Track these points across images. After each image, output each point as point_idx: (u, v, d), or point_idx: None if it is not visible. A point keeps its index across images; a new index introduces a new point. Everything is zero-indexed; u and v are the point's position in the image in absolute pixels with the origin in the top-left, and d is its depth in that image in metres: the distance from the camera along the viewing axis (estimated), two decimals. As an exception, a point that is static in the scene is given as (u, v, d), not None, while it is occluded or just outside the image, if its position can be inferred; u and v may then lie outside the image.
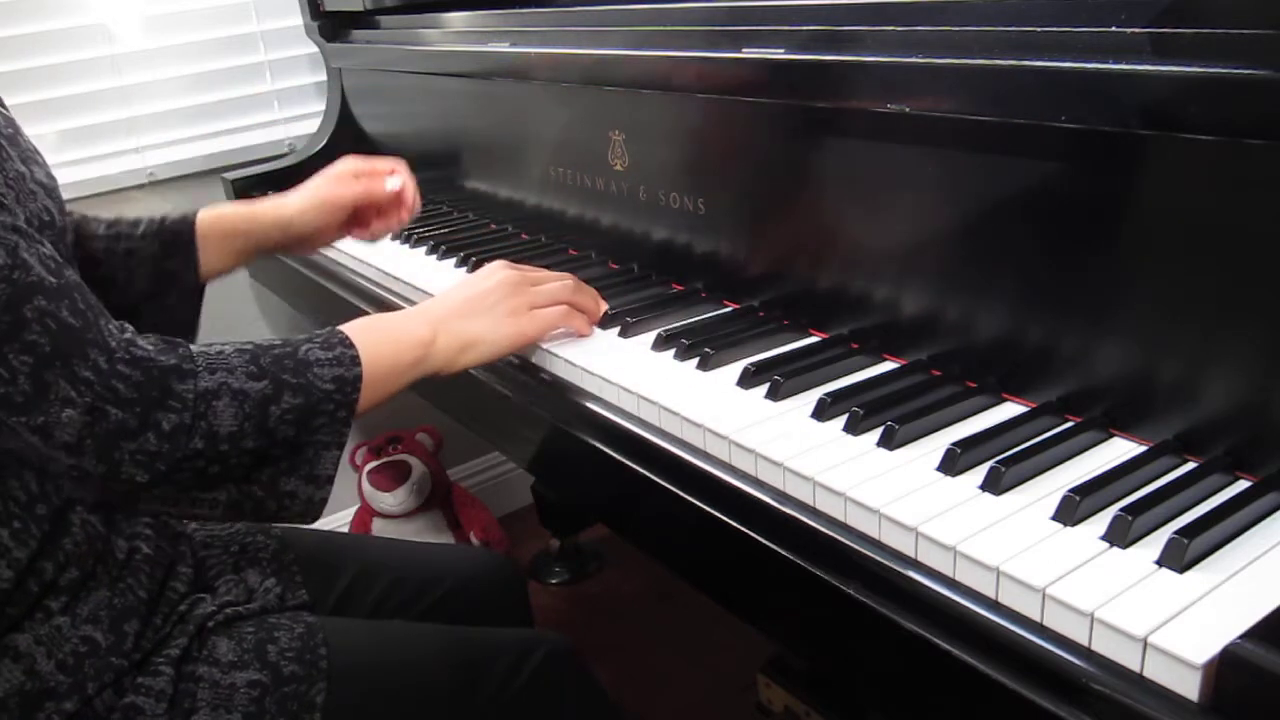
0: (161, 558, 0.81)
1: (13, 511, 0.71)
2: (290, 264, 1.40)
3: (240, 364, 0.70)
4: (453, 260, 1.19)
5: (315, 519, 0.75)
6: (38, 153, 0.81)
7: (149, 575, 0.79)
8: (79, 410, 0.64)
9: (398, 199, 1.11)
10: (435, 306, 0.86)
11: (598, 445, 0.81)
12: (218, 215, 1.04)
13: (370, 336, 0.78)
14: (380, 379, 0.77)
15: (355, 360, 0.75)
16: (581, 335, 0.92)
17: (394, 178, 1.11)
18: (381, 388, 0.77)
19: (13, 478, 0.71)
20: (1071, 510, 0.58)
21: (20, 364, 0.63)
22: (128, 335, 0.68)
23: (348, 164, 1.11)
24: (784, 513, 0.65)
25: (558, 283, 0.91)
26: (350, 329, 0.78)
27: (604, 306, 0.95)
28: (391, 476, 1.80)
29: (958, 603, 0.55)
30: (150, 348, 0.68)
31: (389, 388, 0.78)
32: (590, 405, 0.83)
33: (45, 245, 0.68)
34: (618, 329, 0.92)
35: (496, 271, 0.89)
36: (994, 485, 0.62)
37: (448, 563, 1.08)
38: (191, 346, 0.71)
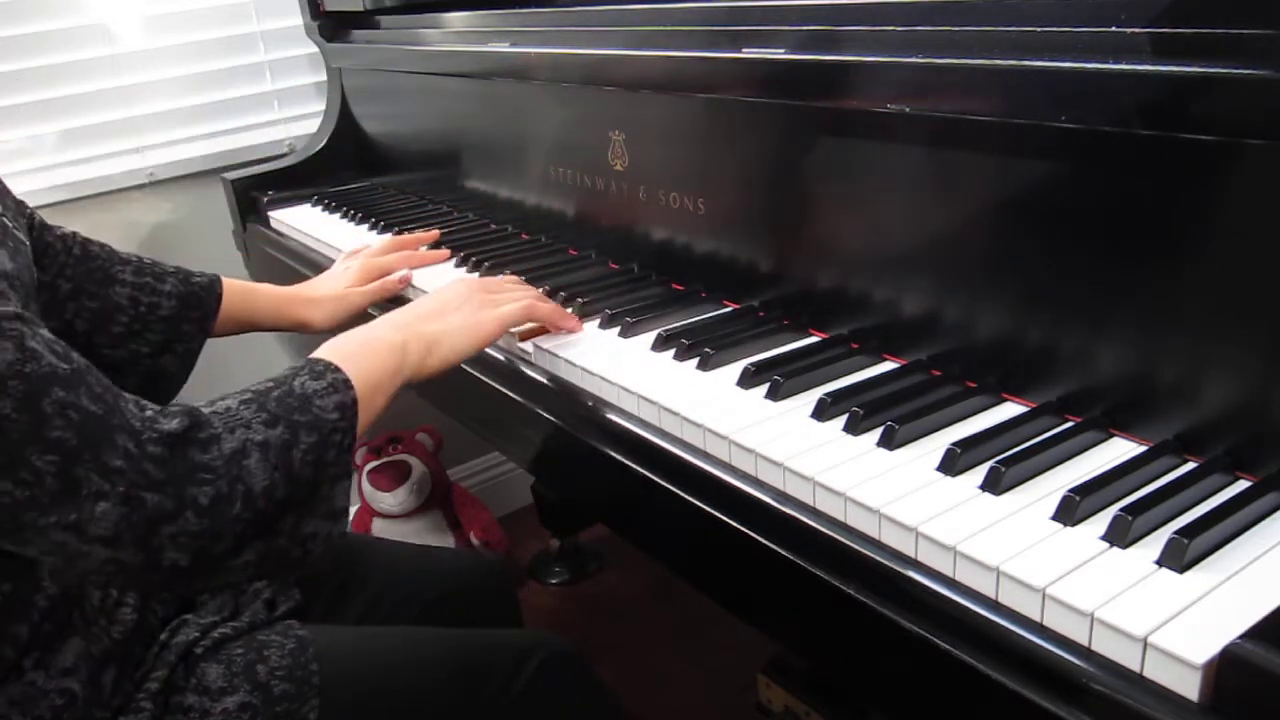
0: (139, 594, 0.79)
1: None
2: (284, 259, 1.40)
3: (251, 415, 0.68)
4: (453, 261, 1.19)
5: (333, 548, 0.73)
6: None
7: (125, 616, 0.76)
8: (113, 502, 0.60)
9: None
10: (399, 314, 0.87)
11: (598, 445, 0.81)
12: (245, 295, 1.07)
13: (351, 355, 0.77)
14: (369, 395, 0.76)
15: (348, 384, 0.73)
16: (558, 330, 0.92)
17: (403, 272, 1.15)
18: (371, 404, 0.76)
19: None
20: (1071, 510, 0.58)
21: (46, 464, 0.58)
22: (148, 413, 0.64)
23: (367, 262, 1.14)
24: (784, 513, 0.65)
25: (520, 290, 0.93)
26: (328, 353, 0.77)
27: (573, 323, 0.94)
28: (391, 476, 1.80)
29: (958, 603, 0.55)
30: (172, 421, 0.64)
31: (377, 403, 0.78)
32: (590, 405, 0.83)
33: (44, 329, 0.63)
34: (618, 329, 0.92)
35: (457, 281, 0.93)
36: (994, 485, 0.62)
37: (439, 565, 1.08)
38: (200, 409, 0.67)
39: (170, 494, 0.61)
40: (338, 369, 0.74)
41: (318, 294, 1.11)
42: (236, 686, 0.76)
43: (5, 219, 0.74)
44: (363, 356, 0.78)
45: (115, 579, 0.64)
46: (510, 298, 0.91)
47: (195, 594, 0.78)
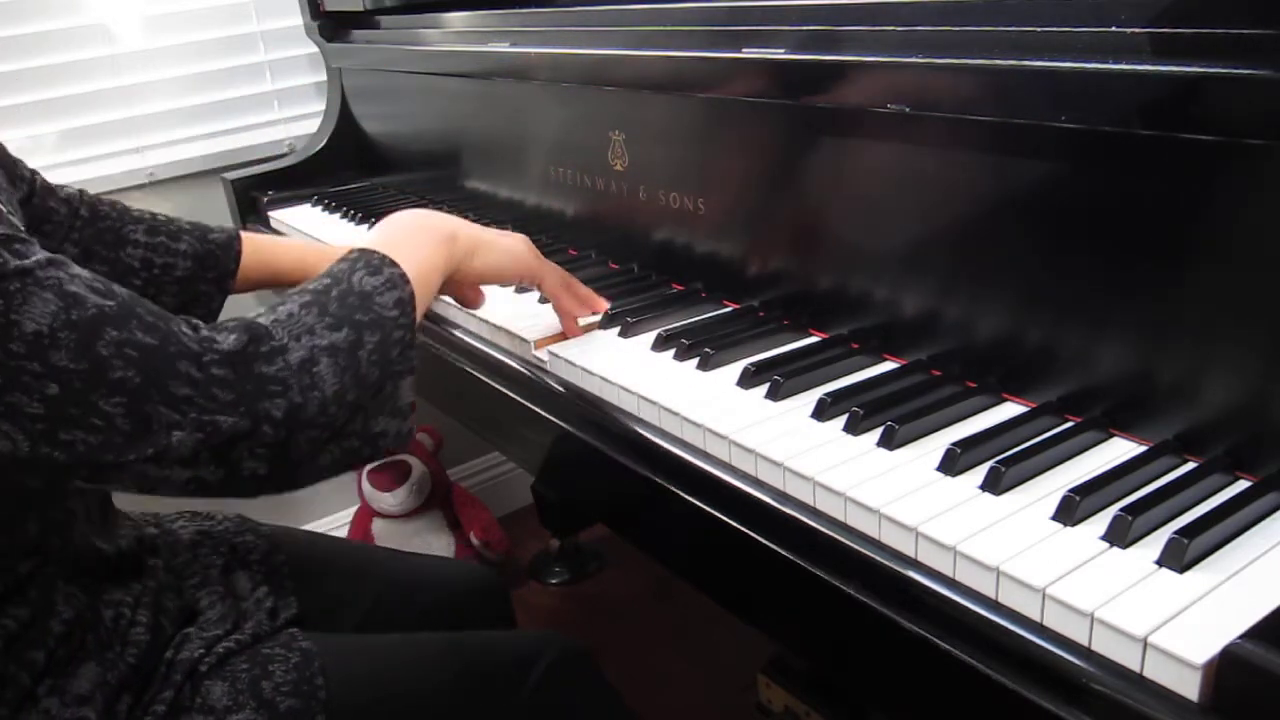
0: (148, 606, 0.79)
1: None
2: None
3: (315, 320, 0.67)
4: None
5: (406, 445, 0.74)
6: None
7: (139, 637, 0.76)
8: (188, 430, 0.60)
9: None
10: (449, 217, 0.86)
11: (597, 445, 0.81)
12: (266, 251, 1.03)
13: (402, 245, 0.76)
14: (423, 286, 0.76)
15: (404, 278, 0.73)
16: (569, 333, 0.93)
17: None
18: (426, 294, 0.77)
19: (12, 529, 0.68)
20: (1071, 510, 0.58)
21: (114, 407, 0.58)
22: (204, 333, 0.63)
23: None
24: (784, 513, 0.65)
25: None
26: (381, 243, 0.76)
27: (603, 305, 0.95)
28: (391, 476, 1.80)
29: (958, 603, 0.55)
30: (230, 337, 0.63)
31: (430, 291, 0.79)
32: (590, 405, 0.83)
33: (77, 268, 0.62)
34: (618, 329, 0.92)
35: None
36: (994, 485, 0.62)
37: (433, 572, 1.07)
38: (258, 320, 0.66)
39: (243, 413, 0.61)
40: (394, 263, 0.73)
41: (343, 250, 1.09)
42: (242, 704, 0.75)
43: None
44: (416, 246, 0.78)
45: (198, 494, 0.64)
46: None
47: (277, 493, 0.74)
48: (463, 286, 0.90)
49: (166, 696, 0.74)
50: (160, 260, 0.96)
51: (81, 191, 0.97)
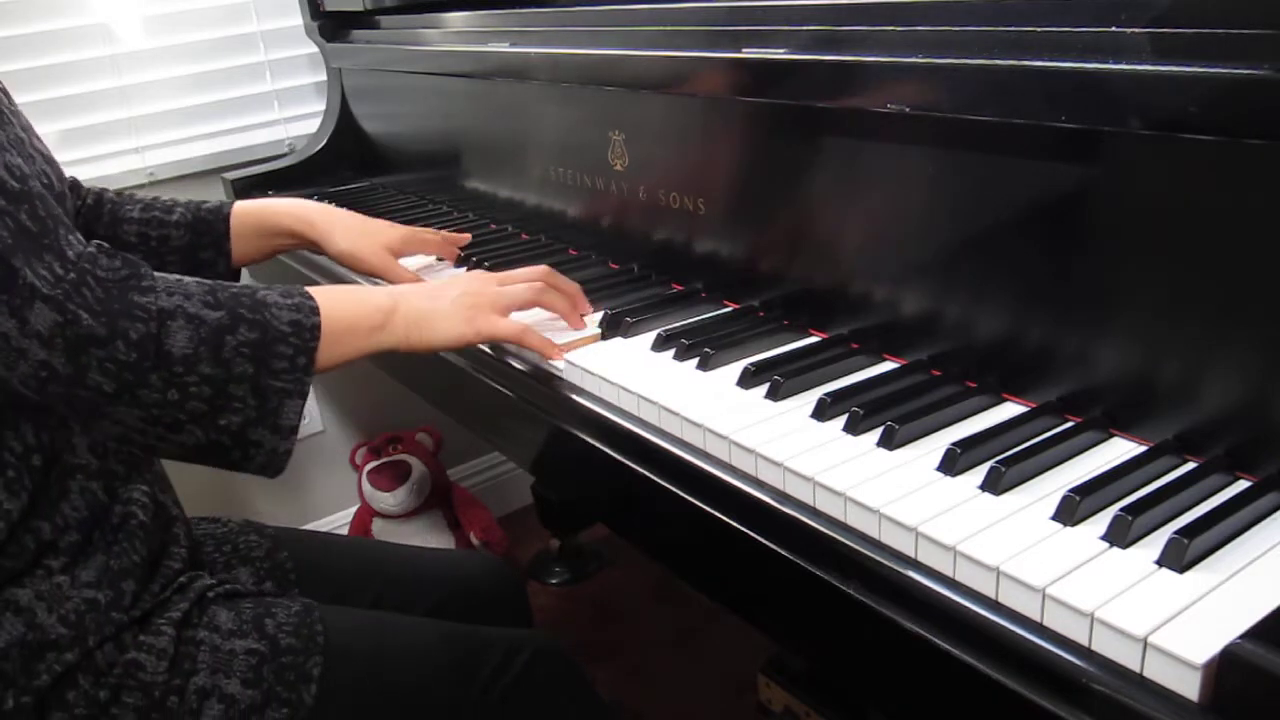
0: (156, 528, 0.81)
1: (7, 460, 0.71)
2: (288, 263, 1.40)
3: (198, 292, 0.72)
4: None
5: (278, 473, 0.76)
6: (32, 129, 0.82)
7: (143, 541, 0.79)
8: (51, 308, 0.65)
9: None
10: (401, 287, 0.89)
11: (598, 445, 0.81)
12: (261, 207, 1.05)
13: (333, 295, 0.80)
14: (339, 335, 0.78)
15: (314, 310, 0.76)
16: (573, 326, 0.93)
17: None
18: (341, 346, 0.79)
19: (8, 428, 0.71)
20: (1071, 510, 0.58)
21: None
22: (89, 249, 0.70)
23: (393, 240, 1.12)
24: (784, 513, 0.65)
25: (525, 283, 0.90)
26: (313, 289, 0.80)
27: (585, 308, 0.95)
28: (391, 476, 1.80)
29: (958, 603, 0.55)
30: (110, 260, 0.70)
31: (348, 348, 0.80)
32: (590, 405, 0.83)
33: (14, 156, 0.69)
34: (618, 329, 0.92)
35: (467, 273, 0.94)
36: (994, 485, 0.62)
37: (445, 567, 1.08)
38: (149, 269, 0.72)
39: (102, 321, 0.67)
40: (310, 297, 0.77)
41: (344, 212, 1.11)
42: (245, 632, 0.78)
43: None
44: (345, 302, 0.80)
45: (47, 386, 0.67)
46: (512, 293, 0.89)
47: (121, 437, 0.77)
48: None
49: (182, 607, 0.77)
50: (156, 233, 1.00)
51: (79, 182, 1.00)
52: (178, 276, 0.73)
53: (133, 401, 0.69)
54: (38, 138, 0.82)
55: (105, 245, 0.71)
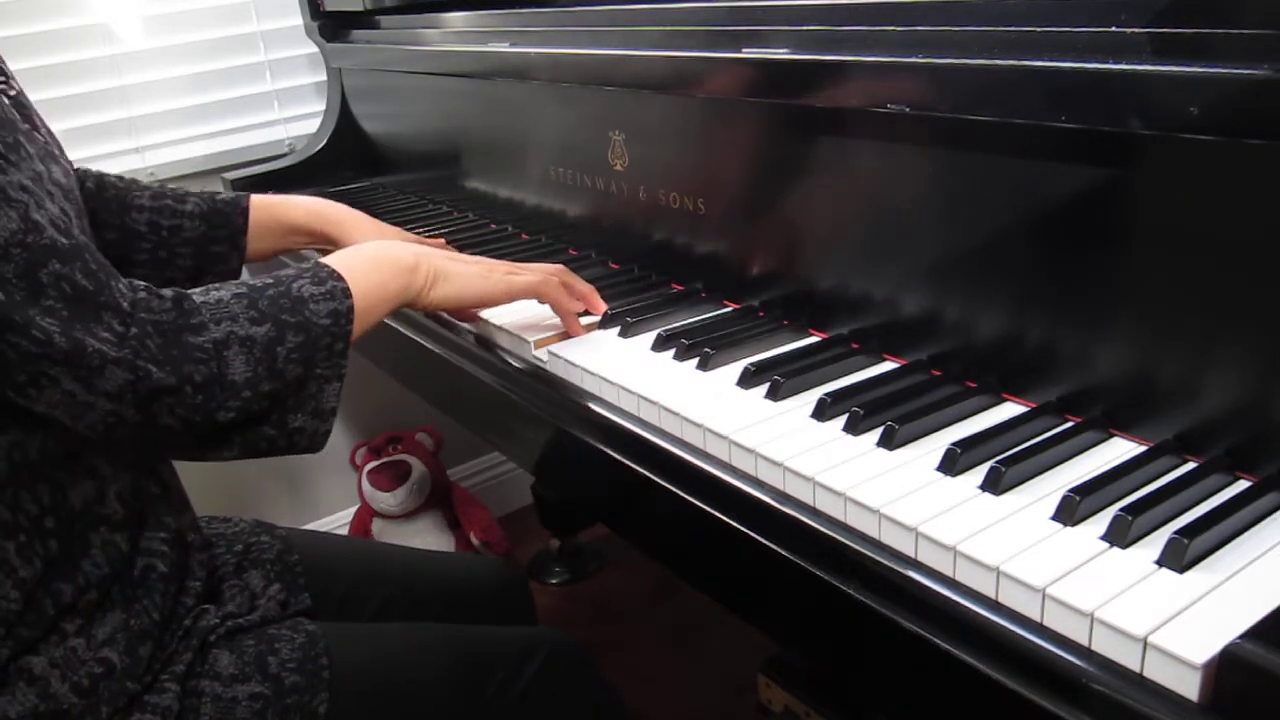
0: (174, 573, 0.80)
1: (20, 524, 0.69)
2: (284, 259, 1.40)
3: (241, 310, 0.71)
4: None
5: (318, 450, 0.77)
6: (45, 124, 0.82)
7: (163, 594, 0.78)
8: (122, 369, 0.64)
9: None
10: (422, 247, 0.89)
11: (598, 445, 0.81)
12: (277, 202, 1.04)
13: (358, 267, 0.79)
14: (370, 307, 0.79)
15: (346, 292, 0.76)
16: (571, 332, 0.92)
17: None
18: (371, 315, 0.80)
19: (24, 489, 0.70)
20: (1071, 510, 0.58)
21: (50, 325, 0.63)
22: (140, 295, 0.68)
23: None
24: (784, 513, 0.65)
25: (540, 271, 0.92)
26: (337, 261, 0.79)
27: (600, 308, 0.95)
28: (391, 476, 1.80)
29: (958, 603, 0.55)
30: (160, 301, 0.69)
31: (377, 314, 0.81)
32: (590, 405, 0.83)
33: (51, 203, 0.67)
34: (618, 329, 0.92)
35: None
36: (994, 485, 0.62)
37: (453, 570, 1.07)
38: (193, 295, 0.71)
39: (169, 371, 0.66)
40: (340, 277, 0.77)
41: (359, 213, 1.10)
42: (248, 675, 0.77)
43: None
44: (371, 269, 0.80)
45: (115, 431, 0.67)
46: (526, 276, 0.91)
47: (190, 459, 0.79)
48: (443, 310, 0.92)
49: (185, 659, 0.77)
50: (167, 223, 0.97)
51: (88, 169, 0.99)
52: (216, 295, 0.72)
53: (194, 435, 0.69)
54: (45, 129, 0.80)
55: (147, 285, 0.70)
